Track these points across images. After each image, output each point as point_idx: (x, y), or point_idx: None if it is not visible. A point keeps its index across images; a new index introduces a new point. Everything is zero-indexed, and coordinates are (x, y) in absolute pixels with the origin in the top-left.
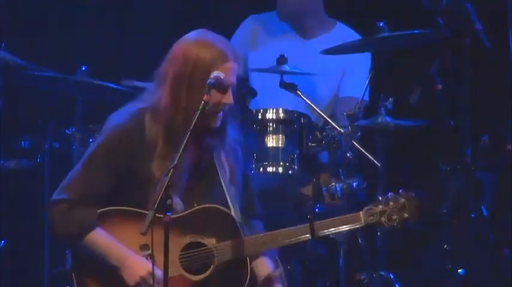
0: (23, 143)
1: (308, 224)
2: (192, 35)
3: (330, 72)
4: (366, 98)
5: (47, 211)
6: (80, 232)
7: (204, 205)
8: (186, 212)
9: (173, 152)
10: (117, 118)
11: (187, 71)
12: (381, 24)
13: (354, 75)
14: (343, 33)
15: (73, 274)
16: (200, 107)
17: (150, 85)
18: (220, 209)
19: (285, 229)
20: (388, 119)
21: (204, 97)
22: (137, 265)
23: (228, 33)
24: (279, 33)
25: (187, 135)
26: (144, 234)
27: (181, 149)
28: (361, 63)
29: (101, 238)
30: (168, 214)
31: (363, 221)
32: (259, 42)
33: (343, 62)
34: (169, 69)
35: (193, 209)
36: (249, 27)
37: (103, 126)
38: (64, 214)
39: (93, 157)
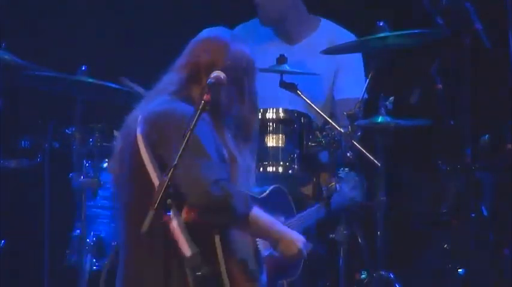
0: (23, 143)
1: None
2: (223, 34)
3: (321, 74)
4: (365, 96)
5: (216, 190)
6: (248, 210)
7: (274, 185)
8: (265, 193)
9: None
10: (183, 111)
11: (242, 67)
12: (381, 24)
13: (349, 75)
14: (328, 30)
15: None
16: (200, 107)
17: (142, 89)
18: (281, 188)
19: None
20: (388, 119)
21: (205, 97)
22: (296, 238)
23: None
24: (266, 41)
25: (188, 135)
26: (144, 233)
27: (181, 149)
28: (354, 62)
29: (261, 214)
30: (168, 213)
31: None
32: None
33: (333, 63)
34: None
35: (270, 189)
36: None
37: (163, 124)
38: (235, 192)
39: (202, 145)
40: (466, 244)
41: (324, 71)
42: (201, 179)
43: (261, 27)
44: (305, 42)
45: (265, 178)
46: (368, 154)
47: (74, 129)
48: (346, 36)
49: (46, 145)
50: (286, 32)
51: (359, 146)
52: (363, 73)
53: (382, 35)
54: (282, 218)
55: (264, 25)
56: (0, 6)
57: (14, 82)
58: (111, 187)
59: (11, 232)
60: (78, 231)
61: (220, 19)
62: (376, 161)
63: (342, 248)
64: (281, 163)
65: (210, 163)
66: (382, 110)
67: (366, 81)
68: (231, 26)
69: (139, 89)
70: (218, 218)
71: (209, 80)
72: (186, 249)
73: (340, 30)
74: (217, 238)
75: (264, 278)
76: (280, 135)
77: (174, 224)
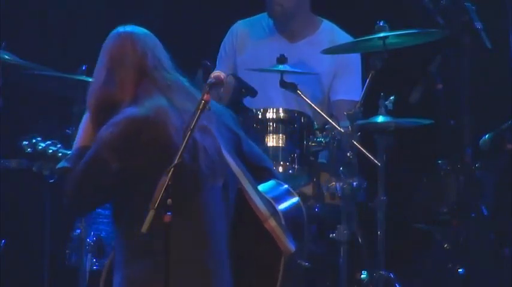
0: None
1: None
2: None
3: (319, 74)
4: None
5: None
6: None
7: None
8: None
9: None
10: None
11: None
12: (381, 24)
13: (346, 77)
14: (329, 31)
15: None
16: (201, 107)
17: None
18: None
19: None
20: (388, 118)
21: (205, 97)
22: None
23: (225, 34)
24: (266, 38)
25: (188, 135)
26: (144, 232)
27: (181, 149)
28: (353, 64)
29: None
30: (168, 213)
31: None
32: (246, 47)
33: (332, 64)
34: None
35: None
36: (236, 32)
37: None
38: None
39: None
40: (466, 244)
41: (323, 70)
42: None
43: (263, 23)
44: (306, 41)
45: None
46: (368, 154)
47: (74, 129)
48: (346, 39)
49: None
50: (289, 30)
51: (359, 146)
52: (360, 75)
53: (382, 35)
54: None
55: (273, 18)
56: (0, 6)
57: (14, 82)
58: None
59: (11, 232)
60: (78, 231)
61: (219, 19)
62: (376, 161)
63: (342, 248)
64: (281, 163)
65: None
66: (382, 110)
67: (364, 82)
68: (232, 21)
69: None
70: None
71: (209, 79)
72: (289, 245)
73: (340, 32)
74: None
75: None
76: (280, 135)
77: (272, 223)
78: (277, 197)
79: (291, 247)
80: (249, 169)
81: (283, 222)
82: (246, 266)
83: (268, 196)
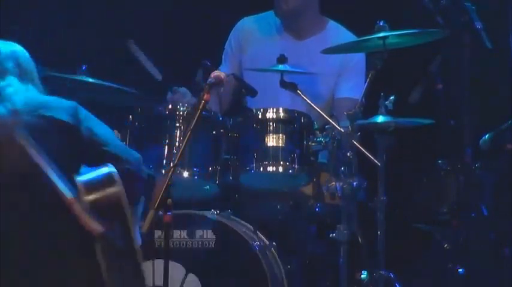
0: None
1: None
2: None
3: (325, 73)
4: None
5: None
6: None
7: None
8: None
9: None
10: None
11: None
12: (381, 24)
13: (351, 76)
14: (335, 31)
15: None
16: (201, 106)
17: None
18: None
19: None
20: (388, 118)
21: (205, 96)
22: None
23: (225, 34)
24: (273, 35)
25: (188, 135)
26: (144, 232)
27: (181, 149)
28: (357, 64)
29: None
30: (168, 213)
31: None
32: (253, 44)
33: (338, 63)
34: None
35: None
36: (242, 29)
37: None
38: None
39: None
40: (466, 244)
41: (328, 70)
42: None
43: (271, 20)
44: (313, 39)
45: (266, 178)
46: (368, 154)
47: None
48: (351, 39)
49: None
50: (296, 28)
51: (359, 146)
52: (364, 75)
53: (382, 34)
54: None
55: (280, 16)
56: (0, 6)
57: None
58: None
59: None
60: None
61: (219, 18)
62: (376, 161)
63: (342, 248)
64: (281, 163)
65: None
66: (382, 110)
67: (364, 82)
68: (232, 21)
69: (143, 57)
70: None
71: (209, 79)
72: (97, 226)
73: (346, 33)
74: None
75: None
76: (280, 135)
77: (77, 207)
78: (92, 182)
79: (98, 227)
80: (92, 155)
81: (87, 204)
82: (69, 252)
83: (80, 181)
